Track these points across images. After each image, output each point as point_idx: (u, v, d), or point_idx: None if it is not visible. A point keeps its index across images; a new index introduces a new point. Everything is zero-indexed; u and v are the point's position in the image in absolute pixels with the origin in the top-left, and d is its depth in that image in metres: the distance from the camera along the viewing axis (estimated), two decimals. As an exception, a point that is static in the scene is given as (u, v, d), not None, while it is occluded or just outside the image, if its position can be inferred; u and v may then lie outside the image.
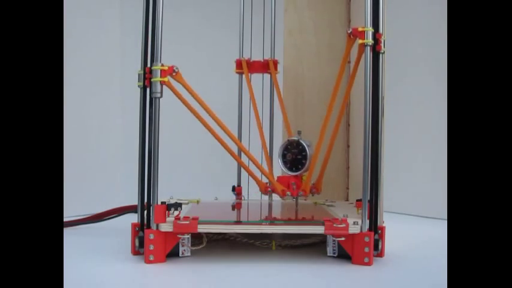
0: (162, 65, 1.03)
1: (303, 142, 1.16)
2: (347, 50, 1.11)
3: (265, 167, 1.23)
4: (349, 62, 1.32)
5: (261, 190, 1.17)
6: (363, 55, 1.05)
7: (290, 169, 1.16)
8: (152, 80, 1.02)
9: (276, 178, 1.17)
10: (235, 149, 1.17)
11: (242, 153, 1.20)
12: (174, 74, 1.04)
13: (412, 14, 1.70)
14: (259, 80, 1.38)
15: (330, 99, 1.13)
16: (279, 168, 1.22)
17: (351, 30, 1.06)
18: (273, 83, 1.36)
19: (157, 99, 1.02)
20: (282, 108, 1.33)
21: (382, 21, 1.05)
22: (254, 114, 1.29)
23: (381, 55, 1.04)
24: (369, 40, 1.03)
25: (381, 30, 1.04)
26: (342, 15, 1.49)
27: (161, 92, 1.02)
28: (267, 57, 1.37)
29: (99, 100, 1.67)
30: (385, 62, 1.06)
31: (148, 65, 1.04)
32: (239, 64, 1.35)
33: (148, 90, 1.04)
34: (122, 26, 1.71)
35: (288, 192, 1.14)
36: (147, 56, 1.05)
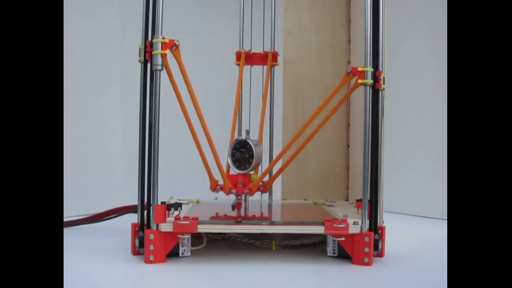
0: (163, 38, 1.03)
1: (250, 142, 1.17)
2: (340, 85, 1.09)
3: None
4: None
5: (210, 186, 1.18)
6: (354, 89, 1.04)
7: (238, 168, 1.17)
8: (153, 52, 1.02)
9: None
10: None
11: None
12: (174, 48, 1.04)
13: (412, 14, 1.70)
14: (259, 73, 1.37)
15: (308, 119, 1.13)
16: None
17: (350, 69, 1.05)
18: (272, 76, 1.35)
19: (158, 72, 1.02)
20: (263, 101, 1.32)
21: (382, 58, 1.04)
22: (234, 107, 1.28)
23: (380, 92, 1.04)
24: (369, 80, 1.03)
25: (380, 68, 1.04)
26: (342, 15, 1.49)
27: (162, 65, 1.02)
28: (268, 50, 1.36)
29: (99, 100, 1.67)
30: (385, 98, 1.06)
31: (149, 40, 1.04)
32: (239, 56, 1.35)
33: (149, 66, 1.04)
34: (123, 22, 1.71)
35: (234, 190, 1.15)
36: (147, 30, 1.05)
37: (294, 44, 1.50)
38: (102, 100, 1.68)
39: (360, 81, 1.04)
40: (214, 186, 1.17)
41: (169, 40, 1.03)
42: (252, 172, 1.17)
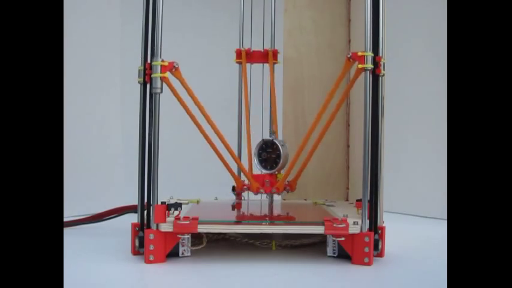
0: (162, 61, 1.03)
1: (277, 142, 1.19)
2: (343, 73, 1.10)
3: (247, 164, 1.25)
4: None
5: (237, 187, 1.20)
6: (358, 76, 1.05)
7: (265, 167, 1.20)
8: (152, 75, 1.03)
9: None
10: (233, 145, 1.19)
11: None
12: (173, 70, 1.05)
13: (412, 14, 1.70)
14: (257, 71, 1.37)
15: (317, 113, 1.14)
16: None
17: (350, 54, 1.05)
18: (272, 74, 1.36)
19: (158, 95, 1.03)
20: (272, 99, 1.32)
21: (382, 43, 1.04)
22: (244, 107, 1.29)
23: (380, 78, 1.04)
24: (369, 65, 1.03)
25: (380, 53, 1.04)
26: (342, 15, 1.49)
27: (161, 88, 1.03)
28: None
29: (99, 100, 1.67)
30: (385, 84, 1.06)
31: (149, 61, 1.05)
32: (239, 54, 1.35)
33: (148, 86, 1.04)
34: (122, 24, 1.71)
35: (262, 190, 1.17)
36: (147, 51, 1.06)
37: (294, 44, 1.50)
38: (102, 100, 1.68)
39: (360, 66, 1.03)
40: (241, 187, 1.19)
41: (169, 63, 1.03)
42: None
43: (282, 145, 1.19)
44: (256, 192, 1.18)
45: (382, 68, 1.04)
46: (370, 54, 1.03)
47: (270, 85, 1.33)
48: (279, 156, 1.18)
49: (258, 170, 1.20)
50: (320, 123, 1.14)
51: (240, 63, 1.36)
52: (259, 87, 1.34)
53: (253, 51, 1.35)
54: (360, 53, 1.04)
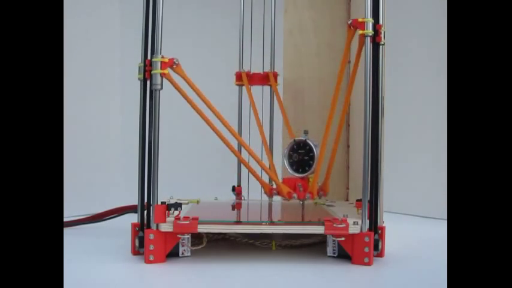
0: (162, 57, 1.03)
1: (310, 142, 1.13)
2: (347, 42, 1.11)
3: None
4: (349, 62, 1.32)
5: (265, 192, 1.14)
6: (363, 48, 1.05)
7: (296, 171, 1.13)
8: (152, 72, 1.02)
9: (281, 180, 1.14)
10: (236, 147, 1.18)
11: (247, 154, 1.19)
12: (174, 66, 1.04)
13: (412, 13, 1.70)
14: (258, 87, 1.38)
15: (332, 98, 1.12)
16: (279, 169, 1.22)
17: (351, 21, 1.06)
18: (275, 93, 1.36)
19: (158, 92, 1.03)
20: (283, 116, 1.32)
21: (382, 12, 1.05)
22: (255, 120, 1.28)
23: (381, 46, 1.04)
24: (369, 31, 1.03)
25: (381, 22, 1.04)
26: (342, 15, 1.49)
27: (161, 84, 1.03)
28: (267, 66, 1.37)
29: (99, 99, 1.67)
30: (385, 55, 1.05)
31: (149, 58, 1.04)
32: (239, 76, 1.35)
33: (148, 83, 1.04)
34: (122, 21, 1.71)
35: (295, 195, 1.11)
36: (147, 48, 1.05)
37: (294, 44, 1.50)
38: (102, 100, 1.68)
39: (360, 32, 1.04)
40: (270, 191, 1.12)
41: (169, 59, 1.03)
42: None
43: (316, 146, 1.12)
44: (289, 198, 1.11)
45: (382, 36, 1.04)
46: (370, 20, 1.03)
47: (278, 104, 1.32)
48: (312, 158, 1.11)
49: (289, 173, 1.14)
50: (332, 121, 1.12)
51: (240, 85, 1.36)
52: (259, 89, 1.34)
53: (253, 74, 1.35)
54: (360, 19, 1.04)
